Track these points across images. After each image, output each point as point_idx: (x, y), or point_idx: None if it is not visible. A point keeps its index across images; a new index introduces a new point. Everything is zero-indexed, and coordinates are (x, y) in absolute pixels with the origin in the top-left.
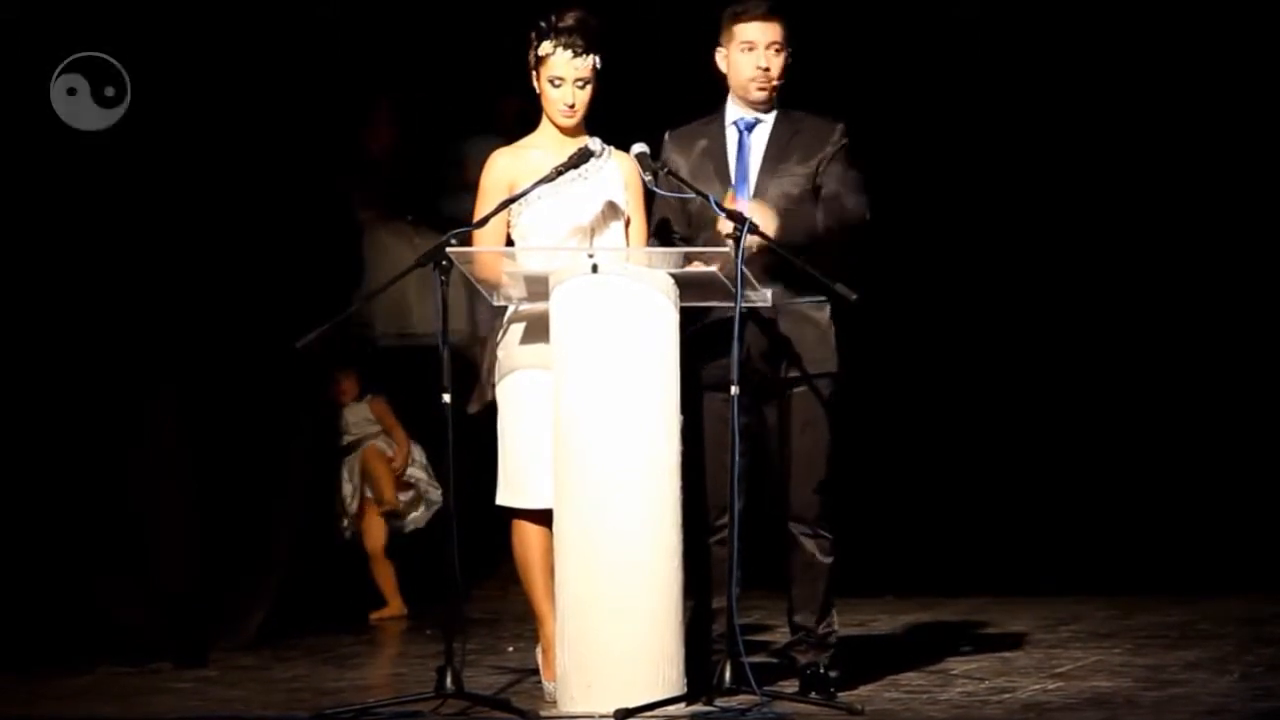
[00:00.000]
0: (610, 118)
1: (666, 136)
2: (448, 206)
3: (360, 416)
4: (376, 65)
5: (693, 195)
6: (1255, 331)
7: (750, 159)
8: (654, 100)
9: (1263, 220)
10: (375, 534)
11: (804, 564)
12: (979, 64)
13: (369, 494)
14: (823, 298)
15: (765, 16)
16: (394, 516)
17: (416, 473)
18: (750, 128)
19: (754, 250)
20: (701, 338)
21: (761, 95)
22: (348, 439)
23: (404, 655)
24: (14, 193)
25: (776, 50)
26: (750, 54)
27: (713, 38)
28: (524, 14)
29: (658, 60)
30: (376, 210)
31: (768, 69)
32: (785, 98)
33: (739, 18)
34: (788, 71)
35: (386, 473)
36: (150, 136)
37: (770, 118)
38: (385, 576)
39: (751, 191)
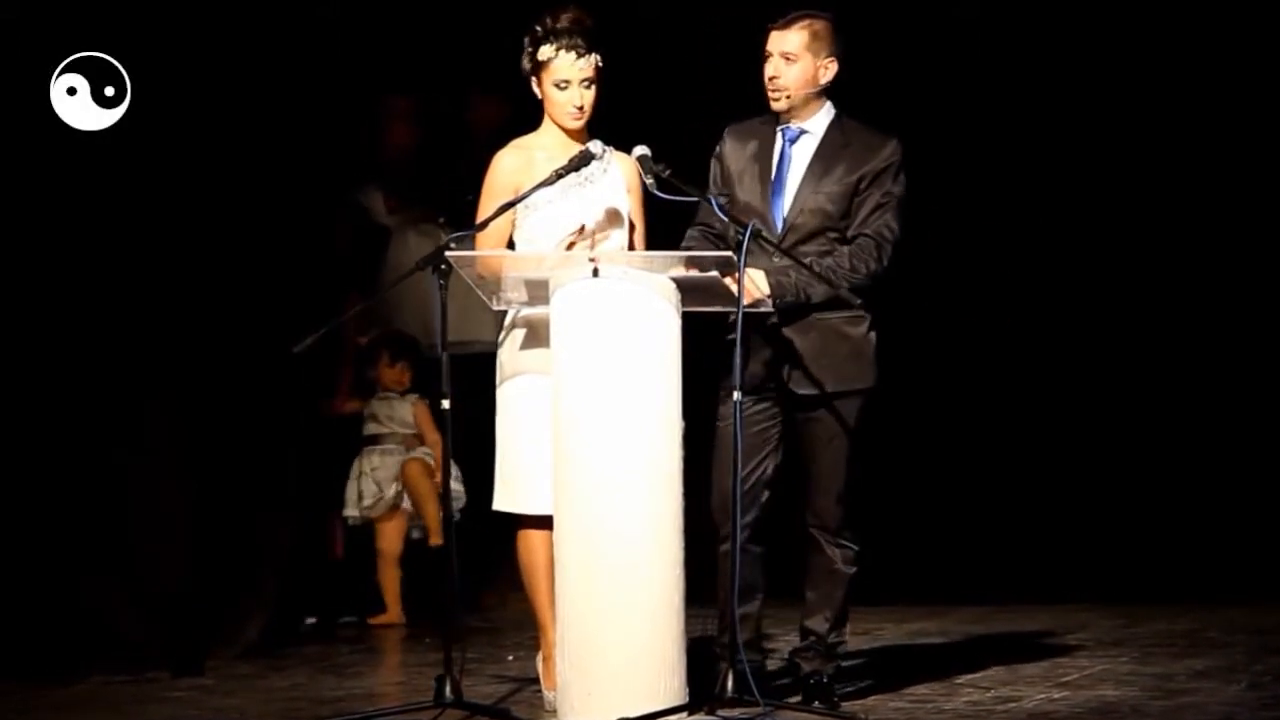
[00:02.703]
0: (612, 119)
1: (726, 131)
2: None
3: (399, 414)
4: (377, 65)
5: (696, 198)
6: (1261, 340)
7: (790, 172)
8: (656, 102)
9: (1268, 224)
10: (393, 537)
11: (825, 570)
12: (979, 64)
13: (404, 504)
14: (860, 313)
15: (782, 26)
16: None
17: (456, 486)
18: (795, 139)
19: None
20: (734, 347)
21: (775, 105)
22: (375, 430)
23: (403, 664)
24: (14, 193)
25: (789, 60)
26: (766, 64)
27: (715, 38)
28: (523, 13)
29: (660, 61)
30: (407, 213)
31: (774, 77)
32: (842, 105)
33: (765, 30)
34: (816, 81)
35: (432, 493)
36: (150, 136)
37: (819, 129)
38: (391, 582)
39: (788, 204)
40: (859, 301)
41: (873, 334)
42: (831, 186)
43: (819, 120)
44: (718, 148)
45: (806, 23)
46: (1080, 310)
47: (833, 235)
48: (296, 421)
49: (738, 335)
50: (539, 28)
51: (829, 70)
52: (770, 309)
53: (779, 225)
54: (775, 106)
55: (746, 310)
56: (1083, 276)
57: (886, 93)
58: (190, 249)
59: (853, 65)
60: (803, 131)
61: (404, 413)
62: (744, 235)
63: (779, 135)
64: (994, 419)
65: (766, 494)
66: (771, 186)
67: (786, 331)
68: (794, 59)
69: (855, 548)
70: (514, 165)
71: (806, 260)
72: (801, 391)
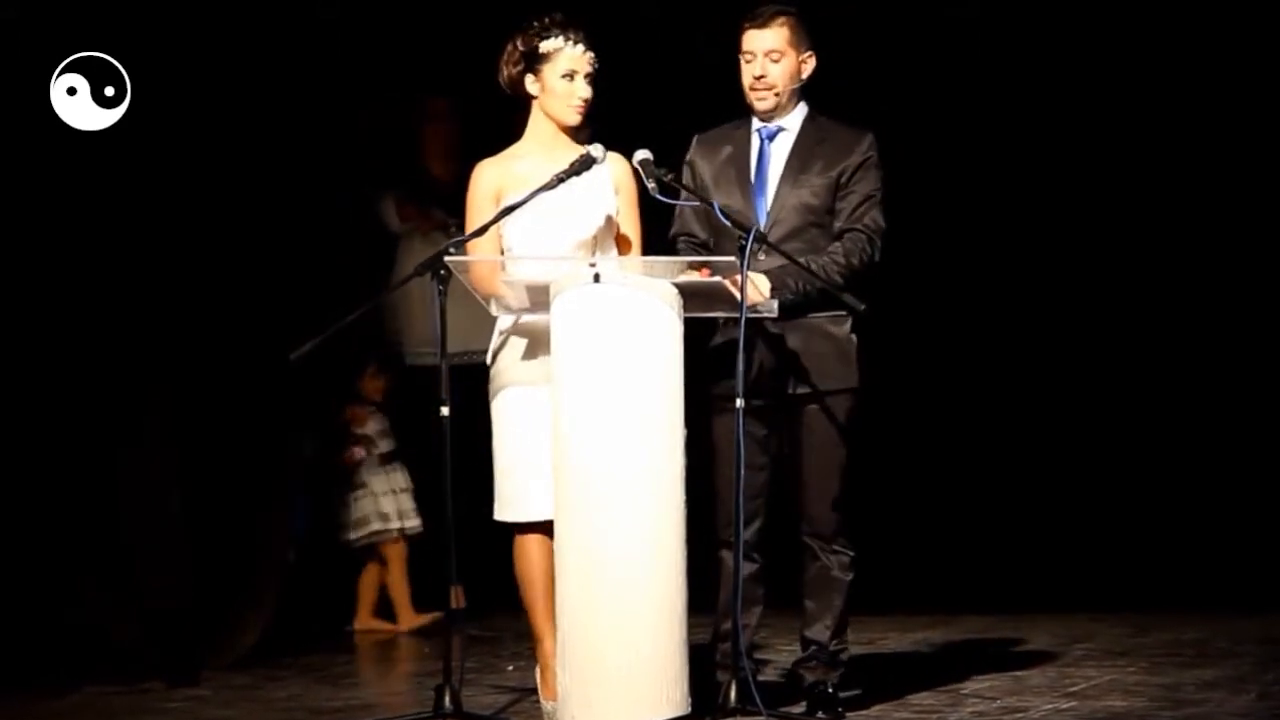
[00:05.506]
0: (611, 120)
1: (695, 140)
2: None
3: (378, 428)
4: (377, 67)
5: (698, 203)
6: (1267, 346)
7: (770, 169)
8: (651, 105)
9: (1272, 225)
10: (397, 548)
11: (821, 578)
12: (978, 64)
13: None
14: (842, 312)
15: (761, 25)
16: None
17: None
18: (772, 136)
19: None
20: (719, 352)
21: (761, 105)
22: (391, 448)
23: (401, 674)
24: (14, 193)
25: (775, 59)
26: (749, 64)
27: (712, 41)
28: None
29: (656, 65)
30: (421, 221)
31: (762, 77)
32: (815, 102)
33: (742, 27)
34: (799, 77)
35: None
36: (150, 136)
37: (795, 125)
38: (400, 592)
39: (770, 201)
40: (863, 307)
41: (854, 335)
42: (812, 181)
43: (794, 117)
44: (688, 155)
45: (784, 19)
46: (1088, 319)
47: (816, 230)
48: (298, 428)
49: (740, 340)
50: (535, 23)
51: (809, 64)
52: (773, 313)
53: (763, 223)
54: (761, 106)
55: (749, 315)
56: (1088, 281)
57: (880, 91)
58: (190, 250)
59: (849, 65)
60: (780, 129)
61: (383, 427)
62: (747, 239)
63: (755, 135)
64: (999, 427)
65: (764, 504)
66: (753, 186)
67: (769, 334)
68: (779, 56)
69: (851, 553)
70: (494, 175)
71: (803, 259)
72: (787, 392)
